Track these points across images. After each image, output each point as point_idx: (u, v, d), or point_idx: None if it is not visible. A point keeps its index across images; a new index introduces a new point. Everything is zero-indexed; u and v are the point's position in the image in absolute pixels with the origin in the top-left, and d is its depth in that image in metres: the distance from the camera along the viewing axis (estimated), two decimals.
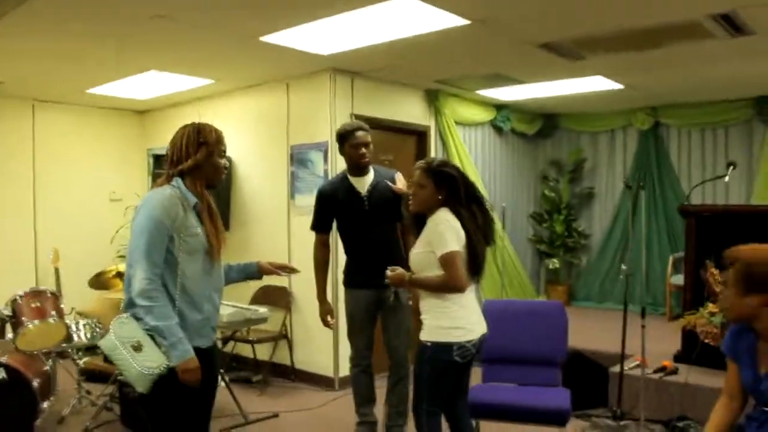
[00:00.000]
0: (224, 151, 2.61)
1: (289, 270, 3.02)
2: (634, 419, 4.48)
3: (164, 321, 2.34)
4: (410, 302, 3.82)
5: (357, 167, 3.93)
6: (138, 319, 2.36)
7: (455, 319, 3.00)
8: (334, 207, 3.99)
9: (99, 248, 6.38)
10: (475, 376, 3.50)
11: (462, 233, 2.98)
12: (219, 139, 2.58)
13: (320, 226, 4.05)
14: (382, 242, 3.89)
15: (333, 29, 4.30)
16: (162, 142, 6.78)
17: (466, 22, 4.10)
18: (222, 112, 6.11)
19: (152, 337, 2.36)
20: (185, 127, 2.58)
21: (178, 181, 2.51)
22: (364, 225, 3.92)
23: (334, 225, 4.12)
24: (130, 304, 2.37)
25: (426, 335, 3.03)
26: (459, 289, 2.97)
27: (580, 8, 3.99)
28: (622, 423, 4.47)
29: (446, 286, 2.97)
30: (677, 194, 7.26)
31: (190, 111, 6.47)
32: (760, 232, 4.51)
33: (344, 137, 3.93)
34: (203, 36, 4.41)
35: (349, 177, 3.98)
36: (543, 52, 4.93)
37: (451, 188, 3.03)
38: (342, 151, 3.97)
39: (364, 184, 3.94)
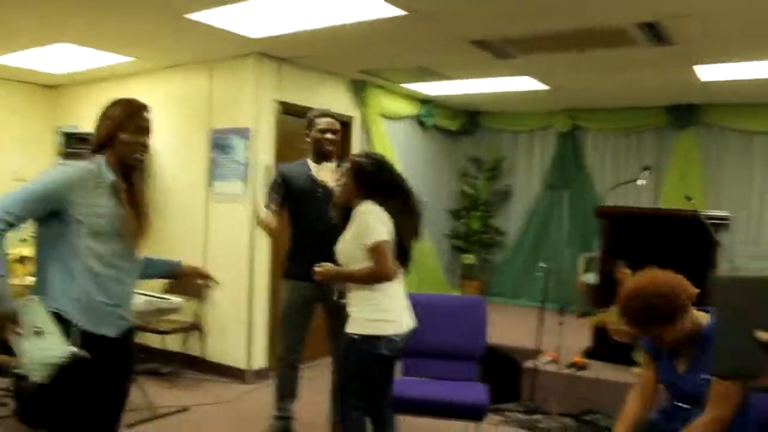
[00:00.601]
0: (142, 128, 2.43)
1: (209, 282, 2.97)
2: (545, 413, 4.60)
3: None
4: None
5: (320, 153, 3.87)
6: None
7: (384, 312, 2.97)
8: (289, 190, 3.88)
9: None
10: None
11: (389, 224, 2.96)
12: (127, 114, 2.40)
13: (271, 201, 3.88)
14: (331, 234, 3.75)
15: (263, 12, 4.16)
16: (74, 120, 6.51)
17: (402, 12, 4.04)
18: (140, 92, 5.75)
19: (58, 320, 2.23)
20: (108, 104, 2.44)
21: (99, 159, 2.37)
22: (315, 214, 3.76)
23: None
24: None
25: (353, 328, 2.98)
26: (387, 278, 2.95)
27: (515, 8, 4.01)
28: (534, 417, 4.56)
29: (374, 276, 2.94)
30: (590, 196, 7.49)
31: (107, 89, 6.15)
32: (668, 235, 4.77)
33: (311, 122, 3.89)
34: (126, 9, 4.16)
35: (310, 163, 3.93)
36: (475, 49, 4.95)
37: (376, 180, 3.02)
38: (308, 136, 3.91)
39: (323, 170, 3.87)
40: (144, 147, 2.45)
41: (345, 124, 6.39)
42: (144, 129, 2.44)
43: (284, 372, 4.04)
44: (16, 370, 4.09)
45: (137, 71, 5.94)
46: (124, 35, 4.85)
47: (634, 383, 2.68)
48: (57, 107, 6.87)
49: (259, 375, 5.35)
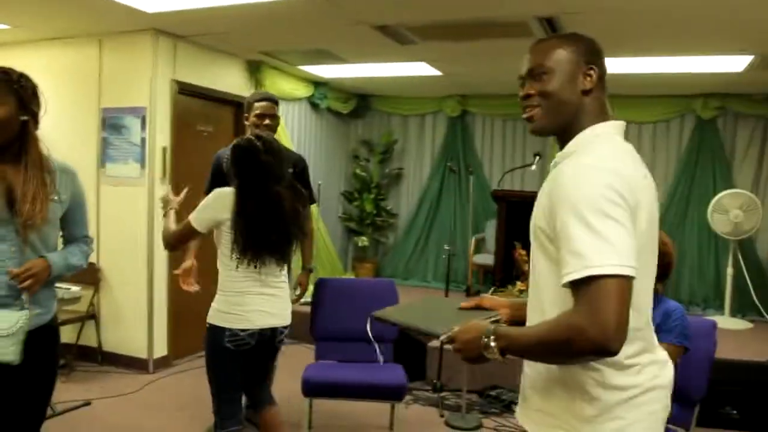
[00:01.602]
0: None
1: None
2: (452, 390, 4.77)
3: None
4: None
5: None
6: None
7: (230, 305, 2.94)
8: (224, 175, 3.65)
9: None
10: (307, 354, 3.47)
11: (223, 211, 2.89)
12: None
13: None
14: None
15: None
16: None
17: None
18: (20, 63, 5.31)
19: None
20: None
21: None
22: None
23: None
24: None
25: (208, 316, 3.01)
26: (165, 247, 3.09)
27: None
28: (442, 394, 4.72)
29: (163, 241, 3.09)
30: (480, 179, 7.76)
31: None
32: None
33: (250, 105, 3.77)
34: None
35: None
36: (376, 34, 4.97)
37: (240, 166, 2.93)
38: (246, 119, 3.80)
39: None
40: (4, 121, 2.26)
41: (240, 105, 6.23)
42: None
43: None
44: None
45: (15, 41, 5.47)
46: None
47: None
48: None
49: (161, 363, 5.18)
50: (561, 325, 1.32)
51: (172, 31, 5.11)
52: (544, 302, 1.51)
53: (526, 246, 4.84)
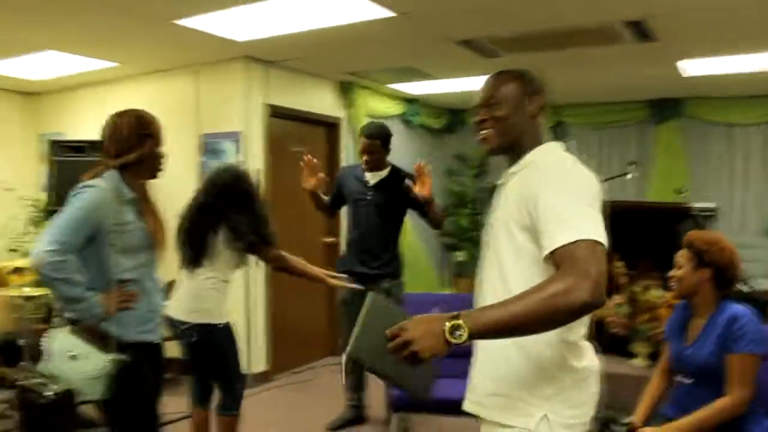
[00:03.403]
0: (161, 139, 2.52)
1: None
2: None
3: (78, 289, 2.22)
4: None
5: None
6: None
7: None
8: (341, 190, 4.33)
9: None
10: None
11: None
12: (159, 129, 2.48)
13: (331, 206, 4.38)
14: (378, 234, 4.19)
15: (249, 16, 4.16)
16: (58, 127, 6.45)
17: (390, 14, 4.08)
18: (126, 97, 5.79)
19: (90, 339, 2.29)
20: (122, 115, 2.43)
21: (112, 175, 2.36)
22: (364, 215, 4.21)
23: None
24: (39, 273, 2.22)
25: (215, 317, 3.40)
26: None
27: (501, 7, 4.06)
28: None
29: None
30: None
31: (92, 95, 6.12)
32: (660, 227, 4.84)
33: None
34: (110, 15, 4.14)
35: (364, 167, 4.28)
36: (460, 49, 5.00)
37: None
38: None
39: (375, 177, 4.25)
40: (163, 158, 2.53)
41: (332, 125, 6.42)
42: (161, 140, 2.50)
43: (349, 364, 4.22)
44: (19, 383, 4.07)
45: (121, 76, 5.90)
46: (109, 41, 4.82)
47: (657, 366, 2.86)
48: (39, 114, 6.80)
49: (261, 378, 5.36)
50: (548, 287, 1.40)
51: (263, 57, 5.34)
52: (513, 291, 1.54)
53: (624, 258, 4.66)
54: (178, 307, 3.34)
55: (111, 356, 2.31)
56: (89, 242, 2.27)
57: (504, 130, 1.80)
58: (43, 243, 2.17)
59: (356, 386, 4.45)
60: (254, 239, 3.30)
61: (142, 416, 2.45)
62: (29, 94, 6.77)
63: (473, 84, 6.38)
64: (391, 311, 1.66)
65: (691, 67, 5.54)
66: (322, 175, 4.06)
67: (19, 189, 6.22)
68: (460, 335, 1.40)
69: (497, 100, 1.79)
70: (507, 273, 1.68)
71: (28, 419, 4.05)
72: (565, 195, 1.55)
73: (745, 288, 5.73)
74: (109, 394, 2.30)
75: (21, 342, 4.41)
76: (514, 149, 1.81)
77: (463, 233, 8.18)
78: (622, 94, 6.98)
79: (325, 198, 4.27)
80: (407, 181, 4.01)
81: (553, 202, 1.54)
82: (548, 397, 1.61)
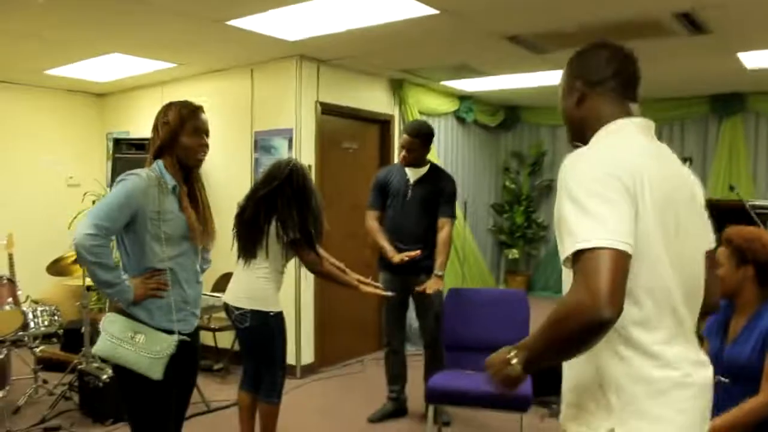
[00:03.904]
0: (199, 129, 2.52)
1: None
2: None
3: (111, 273, 2.30)
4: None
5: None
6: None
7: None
8: (385, 188, 4.43)
9: (55, 234, 6.18)
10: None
11: None
12: (185, 117, 2.48)
13: (374, 206, 4.46)
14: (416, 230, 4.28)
15: (301, 15, 4.26)
16: (122, 126, 6.74)
17: (435, 11, 4.11)
18: (185, 96, 5.86)
19: (139, 321, 2.38)
20: (162, 107, 2.52)
21: (159, 164, 2.45)
22: (403, 211, 4.33)
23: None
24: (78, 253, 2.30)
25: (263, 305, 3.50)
26: None
27: (545, 3, 4.03)
28: None
29: None
30: None
31: (152, 94, 6.36)
32: (715, 224, 4.71)
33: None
34: (171, 19, 4.32)
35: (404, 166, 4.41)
36: (509, 45, 4.98)
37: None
38: None
39: (415, 173, 4.35)
40: (204, 147, 2.55)
41: (385, 122, 6.49)
42: (201, 130, 2.53)
43: (389, 356, 4.48)
44: (80, 367, 4.31)
45: (181, 76, 6.13)
46: (168, 43, 5.03)
47: None
48: (106, 114, 7.13)
49: (308, 370, 5.48)
50: (559, 307, 1.34)
51: (314, 56, 5.45)
52: None
53: None
54: (233, 294, 3.50)
55: (174, 337, 2.39)
56: (128, 227, 2.34)
57: (567, 124, 1.72)
58: (83, 226, 2.25)
59: (397, 379, 4.52)
60: (297, 236, 3.38)
61: (156, 408, 2.46)
62: (98, 95, 7.11)
63: (528, 80, 6.36)
64: None
65: (753, 60, 5.36)
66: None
67: (86, 185, 6.55)
68: (514, 367, 1.45)
69: (563, 92, 1.72)
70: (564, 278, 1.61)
71: (85, 400, 4.29)
72: (574, 197, 1.38)
73: None
74: (163, 374, 2.36)
75: (83, 329, 4.63)
76: (584, 138, 1.63)
77: (516, 230, 8.14)
78: (682, 89, 6.80)
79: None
80: (421, 279, 4.18)
81: (564, 208, 1.40)
82: (615, 409, 1.45)
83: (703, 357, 1.54)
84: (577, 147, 1.58)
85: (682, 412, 1.45)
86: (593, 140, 1.57)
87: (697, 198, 1.60)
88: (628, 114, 1.59)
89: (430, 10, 4.10)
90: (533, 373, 3.87)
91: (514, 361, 1.43)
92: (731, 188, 4.98)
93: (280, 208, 3.42)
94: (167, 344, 2.36)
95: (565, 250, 1.35)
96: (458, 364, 4.05)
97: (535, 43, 4.91)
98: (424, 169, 4.37)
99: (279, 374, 3.56)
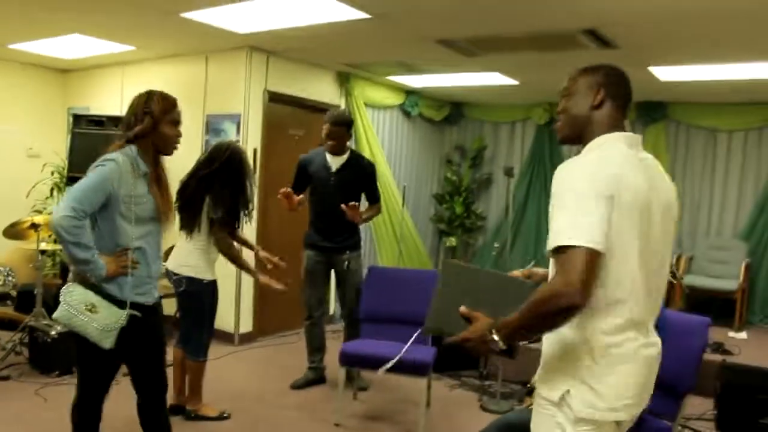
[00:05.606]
0: (177, 121, 2.74)
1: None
2: (497, 380, 5.11)
3: (88, 252, 2.49)
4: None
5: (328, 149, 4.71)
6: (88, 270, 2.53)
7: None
8: (306, 174, 4.75)
9: (14, 202, 6.54)
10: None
11: None
12: (166, 109, 2.67)
13: (295, 188, 4.67)
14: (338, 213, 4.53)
15: (250, 11, 4.62)
16: (83, 102, 7.08)
17: (367, 16, 4.52)
18: (144, 77, 6.37)
19: (101, 294, 2.58)
20: (140, 94, 2.71)
21: (132, 148, 2.63)
22: (327, 196, 4.65)
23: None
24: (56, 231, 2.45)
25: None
26: None
27: (464, 12, 4.41)
28: (487, 383, 5.09)
29: None
30: None
31: (113, 73, 6.72)
32: None
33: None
34: (126, 8, 4.66)
35: (326, 153, 4.74)
36: (441, 47, 5.40)
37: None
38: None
39: (337, 161, 4.71)
40: (179, 137, 2.78)
41: None
42: (178, 122, 2.76)
43: (310, 328, 4.88)
44: (30, 324, 4.64)
45: (140, 59, 6.48)
46: (126, 28, 5.35)
47: None
48: (68, 89, 7.44)
49: (246, 338, 5.94)
50: (542, 292, 1.62)
51: (264, 47, 5.86)
52: None
53: None
54: (174, 261, 3.97)
55: (126, 311, 2.59)
56: (102, 209, 2.53)
57: (570, 122, 1.90)
58: (61, 208, 2.41)
59: (316, 350, 4.94)
60: (219, 216, 3.81)
61: (101, 367, 2.72)
62: (62, 71, 7.41)
63: (465, 79, 6.82)
64: (465, 271, 2.05)
65: (664, 73, 5.85)
66: (298, 197, 4.58)
67: (46, 157, 6.88)
68: (495, 341, 1.71)
69: (570, 92, 1.91)
70: None
71: (35, 355, 4.67)
72: (560, 200, 1.67)
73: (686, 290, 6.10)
74: (115, 344, 2.57)
75: (36, 291, 4.99)
76: (580, 141, 1.89)
77: (455, 220, 8.63)
78: None
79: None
80: (342, 206, 4.44)
81: (551, 209, 1.69)
82: (575, 375, 1.73)
83: (654, 339, 1.84)
84: (563, 144, 1.94)
85: (632, 383, 1.75)
86: (585, 149, 1.83)
87: (672, 209, 1.87)
88: (623, 129, 1.88)
89: (364, 15, 4.50)
90: (452, 351, 4.30)
91: (497, 337, 1.71)
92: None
93: (215, 188, 3.85)
94: (116, 318, 2.55)
95: (550, 243, 1.64)
96: (373, 335, 4.52)
97: (465, 46, 5.33)
98: (345, 156, 4.75)
99: (205, 336, 4.01)
